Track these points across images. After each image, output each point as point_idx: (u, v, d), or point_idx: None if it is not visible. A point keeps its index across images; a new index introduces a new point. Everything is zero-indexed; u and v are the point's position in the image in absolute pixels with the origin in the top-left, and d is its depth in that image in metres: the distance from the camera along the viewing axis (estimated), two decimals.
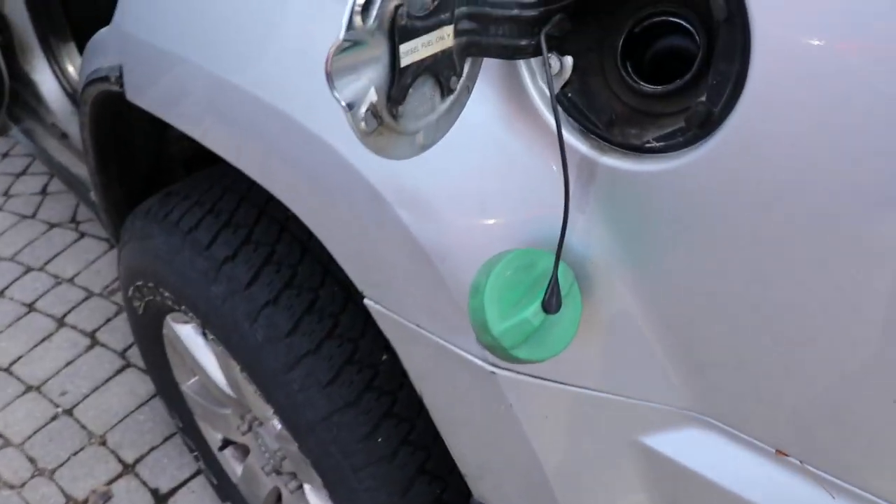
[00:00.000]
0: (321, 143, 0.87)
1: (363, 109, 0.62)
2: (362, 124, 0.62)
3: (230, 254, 1.25)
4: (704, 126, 0.67)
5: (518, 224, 0.80)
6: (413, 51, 0.64)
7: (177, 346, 1.60)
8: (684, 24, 0.73)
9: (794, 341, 0.70)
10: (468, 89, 0.73)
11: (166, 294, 1.40)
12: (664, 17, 0.74)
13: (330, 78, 0.59)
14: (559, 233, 0.74)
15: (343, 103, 0.60)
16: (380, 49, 0.62)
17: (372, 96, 0.62)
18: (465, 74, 0.72)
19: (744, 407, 0.79)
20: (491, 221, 0.81)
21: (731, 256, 0.70)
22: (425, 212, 0.84)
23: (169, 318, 1.55)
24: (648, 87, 0.74)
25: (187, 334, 1.55)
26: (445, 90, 0.70)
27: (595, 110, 0.75)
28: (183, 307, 1.38)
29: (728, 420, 0.81)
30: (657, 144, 0.71)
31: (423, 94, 0.68)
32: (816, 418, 0.74)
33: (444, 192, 0.82)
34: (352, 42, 0.59)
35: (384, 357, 1.20)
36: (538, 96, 0.76)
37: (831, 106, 0.60)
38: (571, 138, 0.75)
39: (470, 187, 0.81)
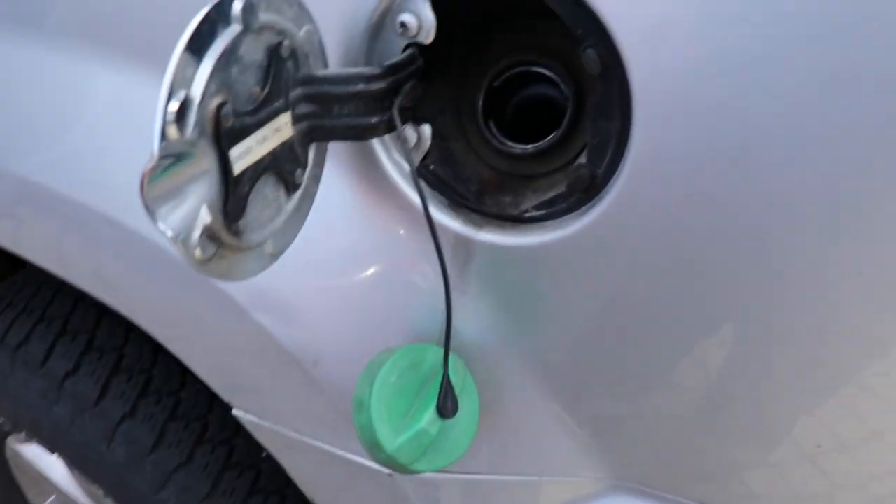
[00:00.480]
0: (161, 251, 0.74)
1: (196, 235, 0.51)
2: (197, 252, 0.51)
3: (71, 367, 1.09)
4: (589, 190, 0.60)
5: (394, 316, 0.71)
6: (246, 152, 0.54)
7: (25, 469, 1.41)
8: (547, 73, 0.66)
9: (688, 406, 0.66)
10: (316, 179, 0.63)
11: (1, 420, 1.22)
12: (525, 68, 0.67)
13: (149, 209, 0.48)
14: (442, 322, 0.65)
15: (169, 234, 0.49)
16: (206, 159, 0.51)
17: (205, 217, 0.51)
18: (310, 163, 0.62)
19: (655, 466, 0.74)
20: (361, 316, 0.72)
21: (626, 325, 0.64)
22: (286, 314, 0.73)
23: (10, 440, 1.36)
24: (518, 148, 0.67)
25: (35, 453, 1.36)
26: (290, 186, 0.60)
27: (462, 180, 0.67)
28: (24, 432, 1.20)
29: (646, 482, 0.75)
30: (537, 213, 0.64)
31: (265, 197, 0.58)
32: (729, 471, 0.70)
33: (305, 290, 0.72)
34: (170, 159, 0.48)
35: (264, 454, 1.08)
36: (397, 173, 0.67)
37: (720, 156, 0.54)
38: (441, 215, 0.66)
39: (333, 282, 0.72)
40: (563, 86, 0.65)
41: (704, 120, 0.54)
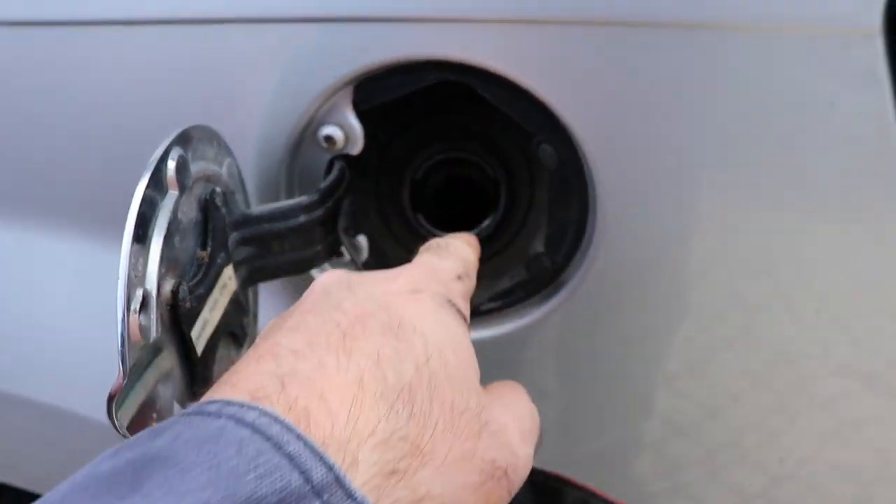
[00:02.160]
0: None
1: None
2: None
3: None
4: (549, 279, 0.59)
5: None
6: (204, 326, 0.47)
7: None
8: (471, 157, 0.63)
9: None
10: (255, 319, 0.57)
11: None
12: (444, 155, 0.64)
13: (125, 436, 0.40)
14: None
15: None
16: (169, 355, 0.44)
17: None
18: (250, 306, 0.55)
19: None
20: None
21: (592, 401, 0.64)
22: None
23: None
24: None
25: None
26: (240, 339, 0.53)
27: None
28: None
29: None
30: (493, 305, 0.61)
31: (221, 360, 0.51)
32: None
33: None
34: (137, 373, 0.41)
35: None
36: None
37: (676, 239, 0.55)
38: None
39: None
40: (489, 169, 0.63)
41: (664, 200, 0.54)
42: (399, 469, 0.32)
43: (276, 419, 0.29)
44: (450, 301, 0.41)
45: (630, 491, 0.68)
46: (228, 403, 0.30)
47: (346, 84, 0.54)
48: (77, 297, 0.63)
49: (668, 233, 0.55)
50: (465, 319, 0.42)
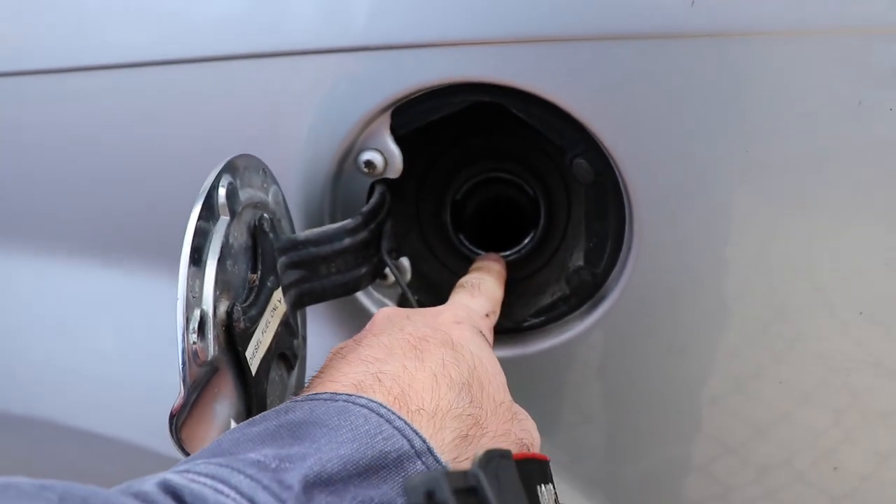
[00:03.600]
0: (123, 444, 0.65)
1: None
2: None
3: None
4: (590, 293, 0.60)
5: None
6: (257, 348, 0.48)
7: None
8: (509, 177, 0.65)
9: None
10: (304, 340, 0.58)
11: None
12: (484, 176, 0.65)
13: (186, 452, 0.41)
14: None
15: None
16: (226, 373, 0.45)
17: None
18: (299, 329, 0.57)
19: None
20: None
21: (636, 409, 0.64)
22: None
23: None
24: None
25: None
26: (291, 360, 0.55)
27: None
28: None
29: None
30: (536, 320, 0.62)
31: (273, 382, 0.52)
32: None
33: None
34: (196, 389, 0.42)
35: None
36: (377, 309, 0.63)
37: (714, 247, 0.55)
38: None
39: None
40: (528, 188, 0.64)
41: (700, 208, 0.54)
42: (469, 435, 0.42)
43: (381, 404, 0.39)
44: (480, 332, 0.52)
45: None
46: (336, 393, 0.40)
47: (384, 110, 0.56)
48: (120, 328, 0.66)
49: (706, 241, 0.55)
50: (490, 345, 0.53)
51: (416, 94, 0.55)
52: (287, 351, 0.54)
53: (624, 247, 0.57)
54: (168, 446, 0.67)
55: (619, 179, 0.54)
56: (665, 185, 0.54)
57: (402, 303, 0.63)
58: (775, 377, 0.59)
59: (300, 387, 0.57)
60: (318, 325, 0.62)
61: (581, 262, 0.59)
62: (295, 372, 0.56)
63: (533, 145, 0.62)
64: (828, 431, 0.61)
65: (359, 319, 0.62)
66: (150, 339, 0.63)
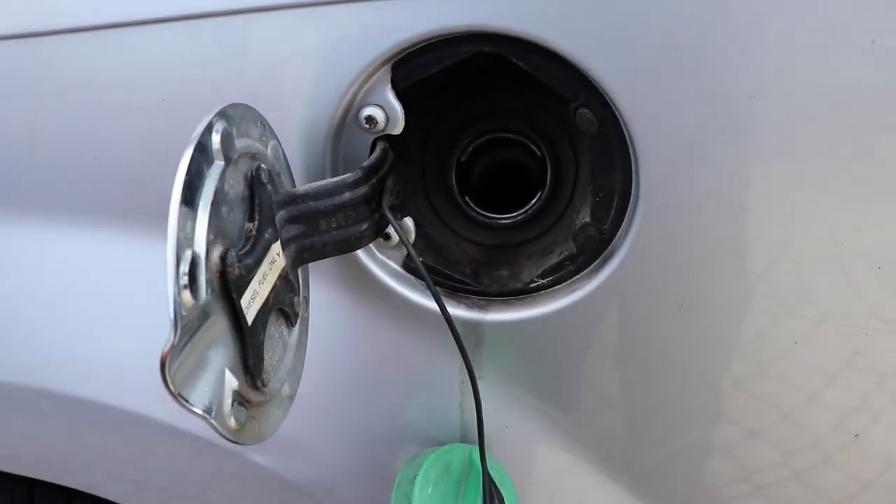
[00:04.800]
0: (138, 418, 0.65)
1: (227, 406, 0.44)
2: (232, 422, 0.44)
3: None
4: (597, 249, 0.58)
5: (405, 424, 0.65)
6: (254, 297, 0.47)
7: None
8: (515, 137, 0.64)
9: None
10: (307, 301, 0.57)
11: None
12: (490, 136, 0.64)
13: (178, 396, 0.40)
14: (458, 417, 0.61)
15: (201, 412, 0.42)
16: (220, 319, 0.44)
17: (231, 383, 0.45)
18: (300, 288, 0.56)
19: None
20: (369, 432, 0.66)
21: (645, 371, 0.62)
22: (287, 449, 0.66)
23: None
24: (504, 219, 0.64)
25: None
26: (291, 318, 0.54)
27: (452, 264, 0.63)
28: None
29: None
30: (544, 281, 0.61)
31: (271, 337, 0.51)
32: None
33: (300, 422, 0.65)
34: (188, 333, 0.41)
35: None
36: (384, 273, 0.62)
37: (724, 203, 0.53)
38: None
39: (334, 408, 0.65)
40: (534, 147, 0.63)
41: (709, 161, 0.52)
42: None
43: None
44: None
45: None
46: None
47: (383, 63, 0.55)
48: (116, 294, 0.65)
49: (715, 196, 0.54)
50: None
51: (417, 46, 0.54)
52: (287, 308, 0.53)
53: (631, 202, 0.56)
54: (174, 415, 0.67)
55: (624, 129, 0.53)
56: (672, 134, 0.52)
57: (407, 264, 0.61)
58: (790, 336, 0.57)
59: (301, 347, 0.56)
60: (321, 288, 0.61)
61: (588, 219, 0.58)
62: (296, 331, 0.55)
63: (537, 103, 0.60)
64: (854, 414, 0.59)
65: (363, 282, 0.61)
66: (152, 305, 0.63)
